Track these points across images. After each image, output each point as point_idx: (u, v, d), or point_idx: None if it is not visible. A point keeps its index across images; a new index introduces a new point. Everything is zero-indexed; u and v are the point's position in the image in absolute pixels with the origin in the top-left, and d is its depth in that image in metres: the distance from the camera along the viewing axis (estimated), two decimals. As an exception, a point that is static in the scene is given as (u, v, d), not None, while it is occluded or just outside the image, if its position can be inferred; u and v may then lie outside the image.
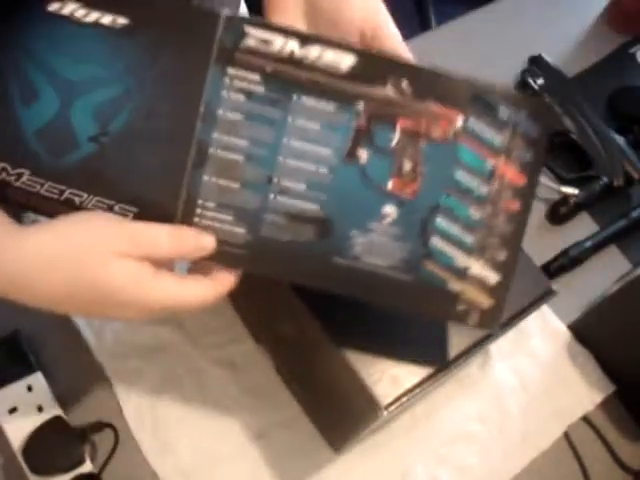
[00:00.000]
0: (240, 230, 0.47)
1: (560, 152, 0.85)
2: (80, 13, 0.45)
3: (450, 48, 0.91)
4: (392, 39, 0.51)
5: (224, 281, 0.48)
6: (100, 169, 0.46)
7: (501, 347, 0.72)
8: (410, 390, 0.53)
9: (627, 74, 0.94)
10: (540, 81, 0.88)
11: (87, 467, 0.61)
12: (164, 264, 0.46)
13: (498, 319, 0.49)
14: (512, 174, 0.48)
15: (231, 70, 0.45)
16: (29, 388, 0.63)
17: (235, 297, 0.69)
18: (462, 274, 0.48)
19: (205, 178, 0.46)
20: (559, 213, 0.81)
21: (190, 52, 0.45)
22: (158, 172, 0.46)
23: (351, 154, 0.46)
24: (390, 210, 0.47)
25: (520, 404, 0.71)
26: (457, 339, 0.56)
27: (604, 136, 0.84)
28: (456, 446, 0.68)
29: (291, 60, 0.45)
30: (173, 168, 0.46)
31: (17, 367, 0.64)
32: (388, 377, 0.53)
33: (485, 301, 0.49)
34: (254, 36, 0.45)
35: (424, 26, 1.72)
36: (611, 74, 0.93)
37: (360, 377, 0.52)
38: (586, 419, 0.71)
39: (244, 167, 0.46)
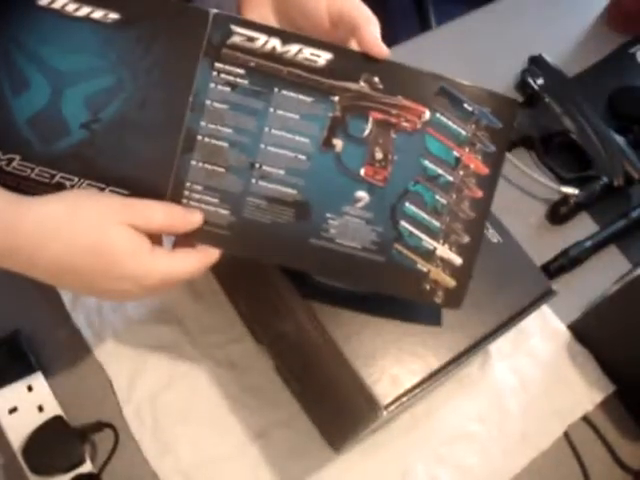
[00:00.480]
0: (224, 212, 0.50)
1: (560, 152, 0.85)
2: (71, 7, 0.46)
3: (450, 48, 0.91)
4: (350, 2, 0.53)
5: (209, 254, 0.51)
6: (91, 155, 0.49)
7: (501, 347, 0.72)
8: (410, 390, 0.53)
9: (627, 74, 0.94)
10: (540, 81, 0.88)
11: (87, 467, 0.61)
12: (155, 240, 0.49)
13: (461, 299, 0.53)
14: (476, 164, 0.51)
15: (218, 64, 0.48)
16: (29, 388, 0.63)
17: (235, 297, 0.69)
18: (429, 256, 0.52)
19: (193, 163, 0.49)
20: (559, 213, 0.81)
21: (181, 46, 0.48)
22: (149, 157, 0.49)
23: (327, 143, 0.50)
24: (362, 195, 0.51)
25: (520, 404, 0.71)
26: (457, 339, 0.56)
27: (604, 136, 0.84)
28: (456, 446, 0.68)
29: (273, 56, 0.48)
30: (163, 153, 0.49)
31: (17, 367, 0.64)
32: (388, 377, 0.53)
33: (450, 282, 0.52)
34: (240, 33, 0.48)
35: (424, 26, 1.72)
36: (611, 74, 0.93)
37: (360, 377, 0.52)
38: (586, 419, 0.71)
39: (229, 153, 0.49)
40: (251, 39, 0.48)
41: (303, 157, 0.49)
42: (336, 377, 0.56)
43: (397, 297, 0.53)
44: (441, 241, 0.52)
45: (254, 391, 0.67)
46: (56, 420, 0.62)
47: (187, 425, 0.65)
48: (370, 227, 0.51)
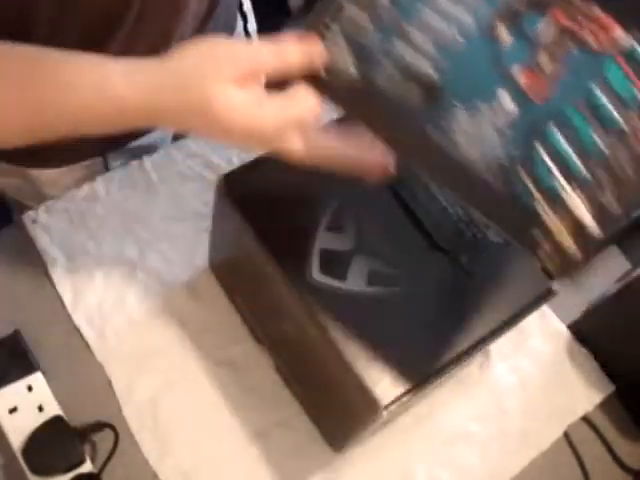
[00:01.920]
0: (353, 69, 0.45)
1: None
2: None
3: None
4: None
5: (313, 99, 0.47)
6: None
7: (501, 347, 0.72)
8: (410, 390, 0.53)
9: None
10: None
11: (87, 467, 0.61)
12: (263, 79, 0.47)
13: (572, 272, 0.43)
14: None
15: None
16: (29, 388, 0.63)
17: (235, 297, 0.69)
18: (555, 200, 0.42)
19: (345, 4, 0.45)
20: (559, 213, 0.81)
21: None
22: None
23: (493, 30, 0.43)
24: (506, 99, 0.43)
25: (520, 404, 0.71)
26: (457, 339, 0.56)
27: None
28: (456, 446, 0.68)
29: None
30: None
31: (17, 367, 0.64)
32: (388, 377, 0.53)
33: (568, 243, 0.42)
34: None
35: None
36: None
37: (360, 377, 0.52)
38: (586, 419, 0.71)
39: (383, 6, 0.44)
40: None
41: (460, 37, 0.43)
42: (336, 377, 0.56)
43: (500, 231, 0.45)
44: (578, 190, 0.41)
45: (254, 391, 0.67)
46: (56, 420, 0.62)
47: (187, 425, 0.65)
48: (499, 139, 0.43)
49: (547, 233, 0.42)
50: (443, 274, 0.57)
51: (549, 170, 0.42)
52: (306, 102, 0.47)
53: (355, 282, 0.55)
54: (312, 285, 0.55)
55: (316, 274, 0.55)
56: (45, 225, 0.72)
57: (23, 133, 0.50)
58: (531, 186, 0.42)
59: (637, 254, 0.81)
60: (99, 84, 0.47)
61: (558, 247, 0.42)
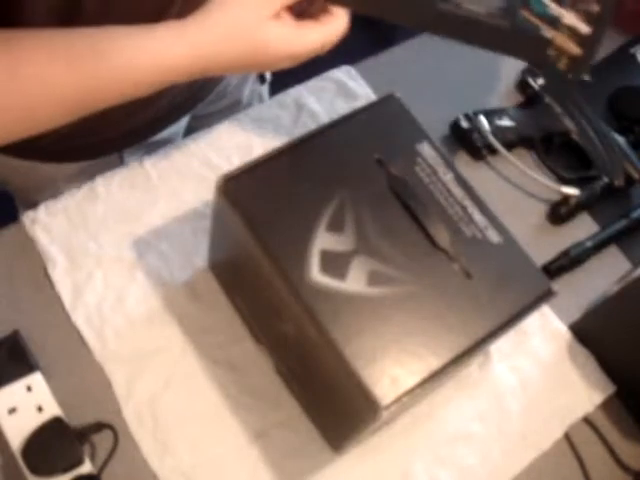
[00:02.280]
0: None
1: (560, 152, 0.85)
2: None
3: (450, 48, 0.91)
4: None
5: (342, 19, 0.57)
6: None
7: (501, 347, 0.72)
8: (410, 390, 0.53)
9: (627, 74, 0.94)
10: (540, 81, 0.88)
11: (87, 467, 0.61)
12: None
13: (586, 68, 0.55)
14: None
15: None
16: (29, 388, 0.63)
17: (235, 298, 0.69)
18: (555, 22, 0.53)
19: None
20: (559, 213, 0.81)
21: None
22: None
23: None
24: None
25: (520, 404, 0.71)
26: (457, 339, 0.56)
27: (604, 136, 0.84)
28: (456, 446, 0.68)
29: None
30: None
31: (17, 367, 0.64)
32: (388, 377, 0.53)
33: (575, 49, 0.54)
34: None
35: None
36: (612, 74, 0.93)
37: (360, 377, 0.52)
38: (586, 419, 0.71)
39: None
40: None
41: None
42: (336, 377, 0.56)
43: (522, 60, 0.57)
44: (568, 8, 0.53)
45: (254, 391, 0.67)
46: (55, 420, 0.62)
47: (187, 425, 0.65)
48: None
49: (557, 49, 0.54)
50: (443, 274, 0.57)
51: (543, 4, 0.53)
52: (335, 25, 0.56)
53: (355, 282, 0.55)
54: (311, 285, 0.55)
55: (315, 274, 0.55)
56: (45, 225, 0.72)
57: (76, 103, 0.53)
58: (533, 19, 0.54)
59: (637, 254, 0.80)
60: (156, 48, 0.52)
61: (567, 53, 0.54)
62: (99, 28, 0.52)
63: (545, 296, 0.60)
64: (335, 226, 0.57)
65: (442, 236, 0.58)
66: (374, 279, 0.55)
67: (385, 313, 0.55)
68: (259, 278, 0.59)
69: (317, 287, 0.55)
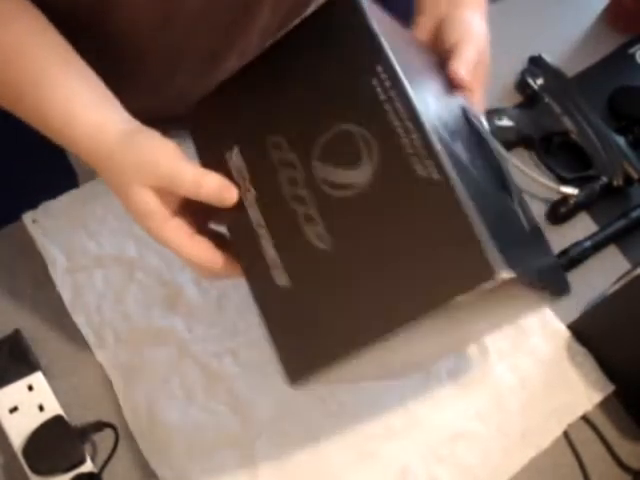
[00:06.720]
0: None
1: (560, 152, 0.85)
2: None
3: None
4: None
5: (230, 267, 0.51)
6: None
7: (501, 346, 0.72)
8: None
9: (627, 74, 0.94)
10: (540, 81, 0.88)
11: (87, 467, 0.61)
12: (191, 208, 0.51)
13: None
14: None
15: None
16: (30, 388, 0.63)
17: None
18: None
19: None
20: (559, 213, 0.81)
21: None
22: None
23: None
24: None
25: (520, 403, 0.71)
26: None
27: (604, 136, 0.84)
28: (456, 445, 0.68)
29: None
30: None
31: (18, 367, 0.64)
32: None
33: None
34: None
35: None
36: (611, 74, 0.93)
37: (477, 234, 0.41)
38: (585, 418, 0.71)
39: None
40: None
41: None
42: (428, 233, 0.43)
43: None
44: None
45: (254, 391, 0.67)
46: (56, 420, 0.62)
47: (187, 425, 0.65)
48: None
49: None
50: None
51: None
52: (199, 255, 0.50)
53: None
54: None
55: None
56: (45, 225, 0.72)
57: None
58: None
59: (637, 254, 0.81)
60: (89, 130, 0.51)
61: None
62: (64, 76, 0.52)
63: (545, 295, 0.59)
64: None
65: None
66: None
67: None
68: None
69: None
